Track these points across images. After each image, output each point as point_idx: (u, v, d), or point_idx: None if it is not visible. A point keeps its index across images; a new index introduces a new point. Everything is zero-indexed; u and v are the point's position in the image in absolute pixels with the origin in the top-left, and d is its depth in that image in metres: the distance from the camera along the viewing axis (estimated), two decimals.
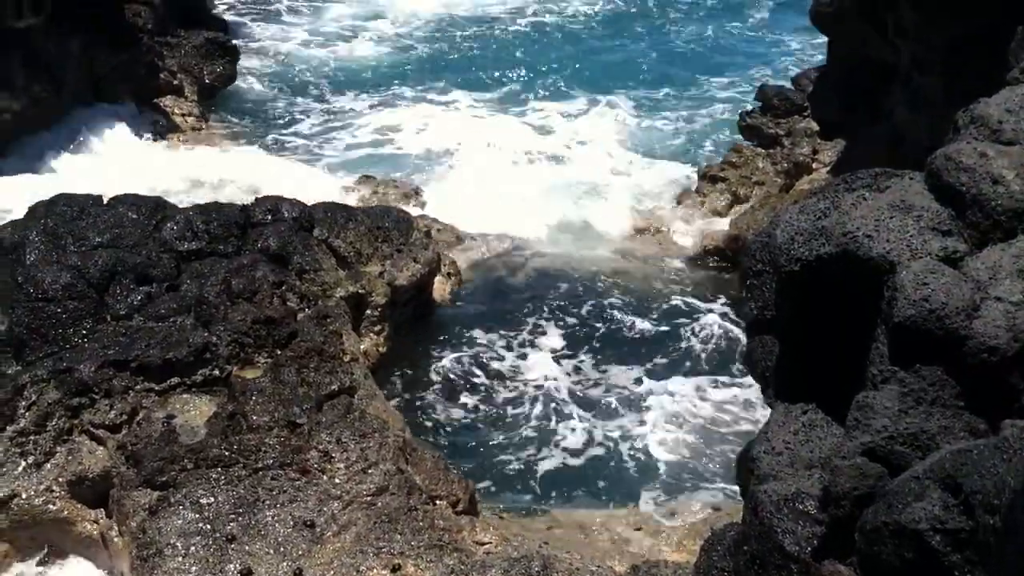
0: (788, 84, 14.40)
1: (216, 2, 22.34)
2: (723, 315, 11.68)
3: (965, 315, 4.39)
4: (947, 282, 4.53)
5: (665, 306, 11.97)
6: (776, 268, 5.12)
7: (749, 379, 10.27)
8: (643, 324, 11.60)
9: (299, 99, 19.05)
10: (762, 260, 6.01)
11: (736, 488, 8.58)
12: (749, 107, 14.80)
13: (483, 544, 6.40)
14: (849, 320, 4.96)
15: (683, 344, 11.32)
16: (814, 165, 12.78)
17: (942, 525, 3.72)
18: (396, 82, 19.95)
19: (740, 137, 14.52)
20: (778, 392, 5.30)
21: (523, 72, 20.53)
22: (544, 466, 9.29)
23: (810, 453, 4.92)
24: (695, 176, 14.39)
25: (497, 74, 20.43)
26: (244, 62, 19.30)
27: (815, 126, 12.94)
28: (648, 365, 10.89)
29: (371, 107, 18.78)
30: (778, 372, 5.38)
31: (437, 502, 6.64)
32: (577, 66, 20.82)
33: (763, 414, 9.81)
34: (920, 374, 4.56)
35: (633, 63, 21.12)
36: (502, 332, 11.33)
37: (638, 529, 6.75)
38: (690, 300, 12.04)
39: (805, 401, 5.11)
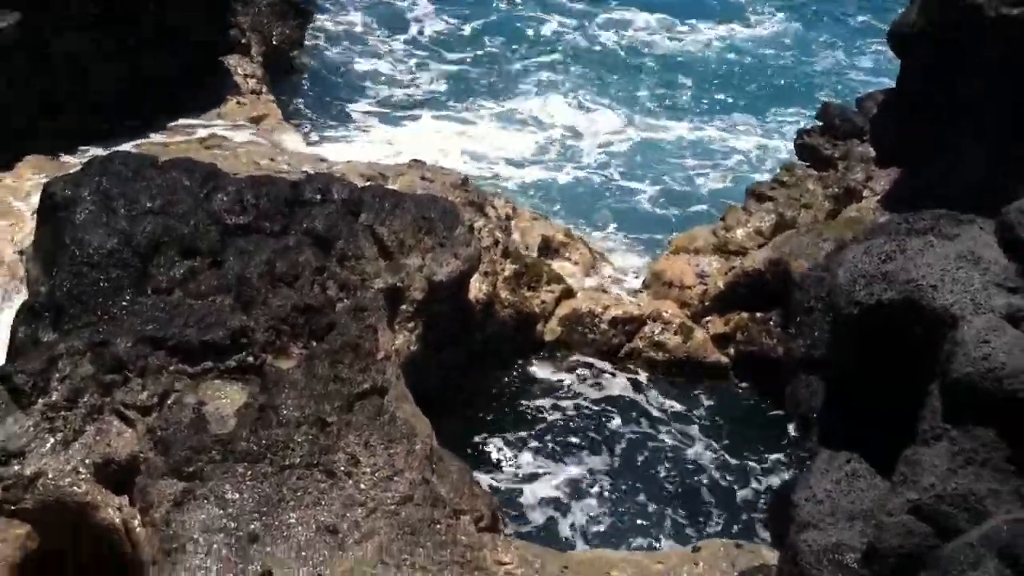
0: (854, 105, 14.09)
1: None
2: None
3: None
4: (1008, 341, 4.43)
5: None
6: (834, 309, 4.99)
7: None
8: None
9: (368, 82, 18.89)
10: (816, 296, 5.87)
11: (756, 522, 8.45)
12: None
13: (504, 564, 6.29)
14: (903, 370, 4.84)
15: None
16: (864, 193, 12.46)
17: None
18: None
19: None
20: (822, 437, 5.19)
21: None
22: (565, 492, 9.18)
23: (851, 504, 4.81)
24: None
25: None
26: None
27: (872, 152, 12.66)
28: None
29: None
30: (823, 416, 5.29)
31: (461, 517, 6.54)
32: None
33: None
34: (973, 434, 4.46)
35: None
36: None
37: (659, 562, 6.61)
38: None
39: (849, 449, 5.00)
